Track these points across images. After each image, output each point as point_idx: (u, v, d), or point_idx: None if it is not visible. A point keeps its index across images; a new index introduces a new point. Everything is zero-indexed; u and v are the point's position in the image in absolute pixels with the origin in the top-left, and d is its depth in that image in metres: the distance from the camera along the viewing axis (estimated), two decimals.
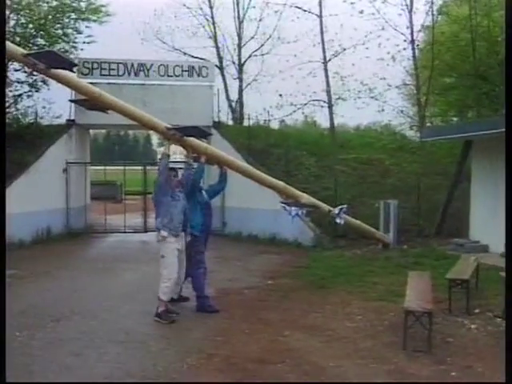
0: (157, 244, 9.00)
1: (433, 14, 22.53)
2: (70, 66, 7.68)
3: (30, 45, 18.72)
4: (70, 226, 19.25)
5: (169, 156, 9.04)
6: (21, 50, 7.53)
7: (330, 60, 24.08)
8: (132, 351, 7.31)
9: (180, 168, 9.81)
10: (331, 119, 23.90)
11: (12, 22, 19.35)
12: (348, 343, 7.54)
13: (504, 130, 6.41)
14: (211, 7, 27.81)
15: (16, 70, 19.62)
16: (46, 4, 19.98)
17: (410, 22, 22.64)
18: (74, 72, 8.55)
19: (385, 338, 7.70)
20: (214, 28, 27.85)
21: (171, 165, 9.24)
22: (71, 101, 12.83)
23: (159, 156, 10.75)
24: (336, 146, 21.29)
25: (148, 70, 20.14)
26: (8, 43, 7.65)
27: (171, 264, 8.62)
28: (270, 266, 13.60)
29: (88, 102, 8.33)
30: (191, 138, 9.16)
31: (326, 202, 13.36)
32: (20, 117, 20.23)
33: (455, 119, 24.77)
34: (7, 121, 19.22)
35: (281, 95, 23.98)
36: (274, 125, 25.58)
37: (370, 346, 7.41)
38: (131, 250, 16.52)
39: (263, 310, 9.37)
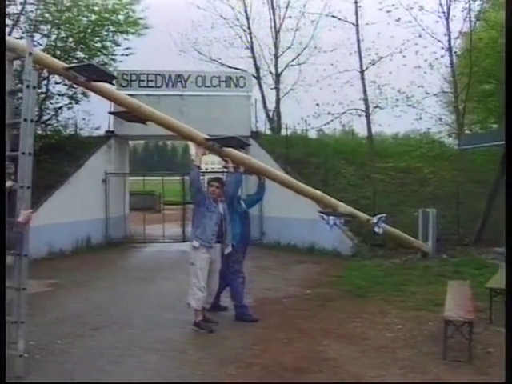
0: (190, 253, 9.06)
1: (470, 21, 22.23)
2: (109, 78, 7.79)
3: (70, 58, 18.97)
4: (110, 236, 19.49)
5: (199, 167, 9.07)
6: (62, 63, 7.66)
7: (367, 69, 24.00)
8: (170, 360, 7.37)
9: (218, 178, 9.87)
10: (369, 128, 23.80)
11: (53, 37, 19.67)
12: (387, 353, 7.48)
13: None
14: (248, 18, 27.93)
15: (57, 83, 19.93)
16: (85, 18, 20.25)
17: (448, 28, 22.41)
18: (113, 84, 8.67)
19: (424, 348, 7.62)
20: (251, 38, 27.95)
21: (214, 175, 9.30)
22: (111, 113, 12.98)
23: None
24: (374, 155, 21.19)
25: (186, 81, 20.34)
26: (50, 57, 7.82)
27: (200, 272, 8.65)
28: (308, 276, 13.57)
29: (128, 113, 8.42)
30: (230, 149, 9.19)
31: (365, 210, 13.30)
32: (60, 128, 20.51)
33: (495, 126, 24.44)
34: (48, 133, 19.55)
35: (318, 104, 23.91)
36: (312, 134, 25.58)
37: (409, 355, 7.35)
38: (170, 260, 16.61)
39: (301, 319, 9.36)
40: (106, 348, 7.84)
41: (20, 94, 7.55)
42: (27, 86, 6.75)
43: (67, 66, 7.50)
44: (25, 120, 6.68)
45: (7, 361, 6.62)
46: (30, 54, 6.85)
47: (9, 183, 6.78)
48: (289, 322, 9.17)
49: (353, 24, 24.17)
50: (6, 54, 6.84)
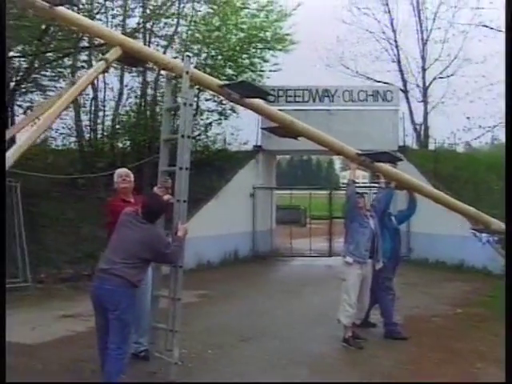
0: (341, 268, 9.04)
1: None
2: (263, 94, 7.94)
3: (219, 75, 19.48)
4: (257, 249, 19.80)
5: (355, 182, 9.07)
6: (217, 81, 7.89)
7: None
8: (319, 374, 7.33)
9: (365, 193, 9.79)
10: None
11: (203, 55, 20.34)
12: None
13: None
14: (394, 31, 27.58)
15: (207, 100, 20.59)
16: (234, 36, 20.75)
17: None
18: (267, 101, 8.83)
19: None
20: (398, 51, 27.57)
21: (357, 190, 9.27)
22: (263, 129, 13.18)
23: (344, 181, 10.73)
24: None
25: (333, 96, 20.47)
26: (205, 75, 8.08)
27: (352, 288, 8.60)
28: (458, 294, 13.17)
29: (279, 129, 8.51)
30: (381, 164, 9.09)
31: None
32: (209, 144, 21.11)
33: None
34: (198, 148, 20.17)
35: (468, 118, 23.15)
36: (460, 148, 24.80)
37: None
38: (316, 274, 16.64)
39: (453, 339, 9.08)
40: (254, 359, 7.95)
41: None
42: (184, 104, 7.00)
43: (222, 83, 7.72)
44: (182, 136, 6.93)
45: (163, 367, 6.91)
46: (187, 72, 7.10)
47: (166, 197, 7.04)
48: (440, 341, 8.92)
49: None
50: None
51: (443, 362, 7.85)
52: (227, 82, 8.11)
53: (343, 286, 8.69)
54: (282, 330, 9.57)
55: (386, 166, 9.25)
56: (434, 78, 26.98)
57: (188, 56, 7.75)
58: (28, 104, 17.92)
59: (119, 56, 7.18)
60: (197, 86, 9.29)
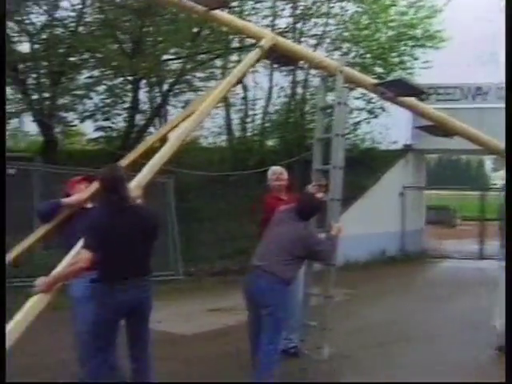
0: (496, 272, 8.71)
1: None
2: (418, 92, 7.80)
3: (368, 73, 19.33)
4: (405, 250, 19.55)
5: None
6: (371, 80, 7.87)
7: None
8: (473, 381, 7.08)
9: None
10: None
11: (352, 54, 20.25)
12: None
13: None
14: None
15: (356, 98, 20.44)
16: (383, 34, 20.58)
17: None
18: (423, 99, 8.67)
19: None
20: None
21: None
22: (417, 127, 12.92)
23: (496, 182, 10.31)
24: None
25: (485, 94, 19.76)
26: (359, 74, 8.06)
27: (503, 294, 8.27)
28: None
29: (435, 128, 8.33)
30: None
31: None
32: (358, 142, 21.05)
33: None
34: (347, 147, 20.12)
35: None
36: None
37: None
38: (467, 277, 16.16)
39: None
40: (404, 362, 7.84)
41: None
42: (338, 103, 7.02)
43: (376, 82, 7.68)
44: (336, 135, 6.96)
45: (311, 364, 6.93)
46: (341, 72, 7.12)
47: (320, 195, 7.09)
48: None
49: None
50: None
51: None
52: (381, 81, 8.05)
53: (498, 291, 8.36)
54: (430, 334, 9.35)
55: None
56: None
57: (342, 55, 7.78)
58: (182, 104, 18.55)
59: (273, 44, 7.12)
60: (346, 84, 9.30)
